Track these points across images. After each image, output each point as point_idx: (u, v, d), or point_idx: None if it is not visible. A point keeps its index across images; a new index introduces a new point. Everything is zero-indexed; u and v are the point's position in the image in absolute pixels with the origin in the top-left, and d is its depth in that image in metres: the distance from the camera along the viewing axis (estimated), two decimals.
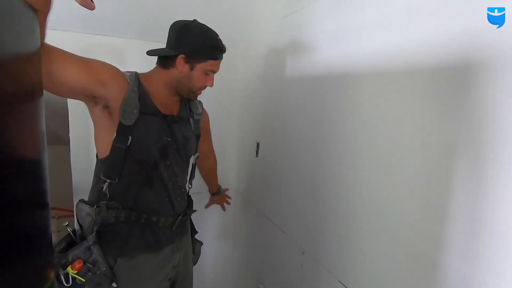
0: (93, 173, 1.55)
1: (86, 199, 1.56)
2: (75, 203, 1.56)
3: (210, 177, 1.58)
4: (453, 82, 0.70)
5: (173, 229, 1.08)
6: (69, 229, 1.00)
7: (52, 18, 1.33)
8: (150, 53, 1.07)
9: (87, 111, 1.51)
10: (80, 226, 1.01)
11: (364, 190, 0.95)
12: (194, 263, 1.30)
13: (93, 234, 0.94)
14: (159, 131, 1.01)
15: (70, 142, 1.51)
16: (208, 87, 1.12)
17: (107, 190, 0.97)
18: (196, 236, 1.33)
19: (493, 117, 0.62)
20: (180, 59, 1.01)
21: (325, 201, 1.14)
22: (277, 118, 1.46)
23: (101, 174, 0.97)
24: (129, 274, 0.99)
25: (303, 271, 1.28)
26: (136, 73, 1.02)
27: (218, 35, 1.06)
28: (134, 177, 0.99)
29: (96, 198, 0.99)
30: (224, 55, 1.79)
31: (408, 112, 0.81)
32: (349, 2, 0.99)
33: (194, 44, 1.01)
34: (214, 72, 1.07)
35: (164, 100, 1.06)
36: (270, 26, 1.48)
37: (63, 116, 1.50)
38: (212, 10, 1.51)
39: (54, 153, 2.20)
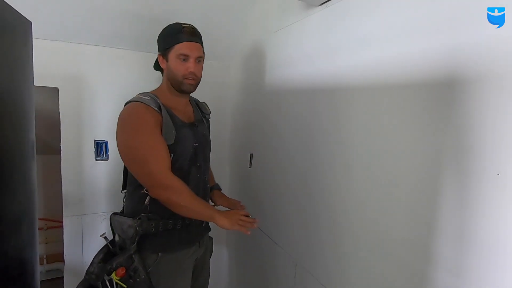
0: (83, 183, 1.54)
1: (78, 210, 1.54)
2: (64, 214, 1.56)
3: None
4: (442, 96, 0.71)
5: (203, 225, 1.20)
6: (106, 240, 1.11)
7: (48, 28, 1.34)
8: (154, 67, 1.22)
9: (79, 120, 1.52)
10: (120, 236, 1.10)
11: (356, 203, 0.96)
12: (209, 257, 1.38)
13: (135, 244, 1.03)
14: (190, 141, 1.12)
15: (62, 151, 1.49)
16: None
17: (148, 204, 1.06)
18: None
19: (480, 130, 0.63)
20: (159, 58, 1.14)
21: (317, 214, 1.14)
22: (271, 130, 1.46)
23: (145, 189, 1.06)
24: (170, 268, 1.08)
25: (295, 284, 1.26)
26: (156, 96, 1.09)
27: (182, 23, 1.10)
28: None
29: (136, 210, 1.08)
30: (217, 67, 1.82)
31: (398, 126, 0.82)
32: (340, 17, 1.02)
33: (161, 38, 1.13)
34: (188, 55, 1.07)
35: (180, 107, 1.15)
36: (263, 40, 1.50)
37: (55, 124, 1.48)
38: (206, 23, 1.53)
39: (45, 162, 2.19)
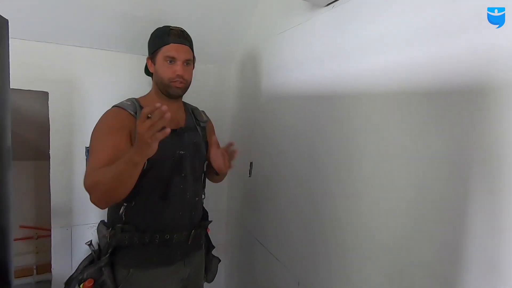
0: (73, 193, 1.47)
1: (67, 221, 1.47)
2: (53, 225, 1.48)
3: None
4: (460, 102, 0.64)
5: (189, 243, 1.09)
6: (91, 248, 1.07)
7: (37, 29, 1.28)
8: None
9: (70, 126, 1.44)
10: (99, 245, 1.06)
11: (366, 222, 0.87)
12: (211, 280, 1.29)
13: (106, 256, 0.99)
14: (172, 147, 1.04)
15: (51, 159, 1.41)
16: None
17: (123, 214, 1.00)
18: (213, 252, 1.31)
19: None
20: (148, 62, 1.11)
21: (323, 228, 1.05)
22: (272, 137, 1.39)
23: None
24: (143, 286, 1.02)
25: None
26: (136, 100, 1.06)
27: (171, 26, 1.07)
28: (150, 195, 1.02)
29: (113, 220, 1.03)
30: (216, 70, 1.73)
31: (414, 135, 0.74)
32: (348, 19, 0.95)
33: (149, 42, 1.10)
34: (174, 57, 1.03)
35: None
36: (264, 43, 1.44)
37: (44, 129, 1.41)
38: (204, 25, 1.47)
39: (36, 169, 2.11)
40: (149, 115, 0.71)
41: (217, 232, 1.85)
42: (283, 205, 1.29)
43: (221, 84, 1.79)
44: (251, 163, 1.58)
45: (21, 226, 2.15)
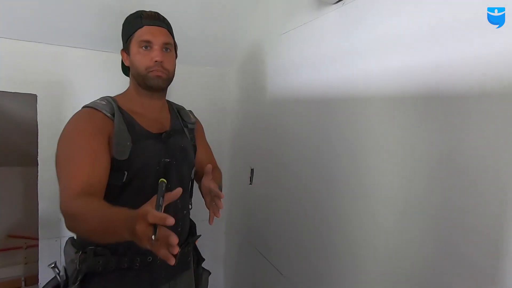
0: None
1: (56, 232, 1.38)
2: (41, 237, 1.39)
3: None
4: (464, 103, 0.59)
5: (175, 262, 0.93)
6: (55, 271, 0.91)
7: (25, 28, 1.20)
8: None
9: (60, 131, 1.35)
10: (66, 270, 0.89)
11: (375, 230, 0.81)
12: None
13: (75, 285, 0.82)
14: (157, 154, 0.92)
15: (39, 165, 1.33)
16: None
17: None
18: (203, 264, 1.17)
19: None
20: (122, 55, 0.97)
21: (331, 239, 0.98)
22: (274, 142, 1.33)
23: None
24: None
25: None
26: (113, 100, 0.92)
27: (143, 10, 0.95)
28: None
29: (83, 241, 0.86)
30: (215, 73, 1.67)
31: (422, 139, 0.69)
32: (360, 17, 0.89)
33: (122, 33, 0.97)
34: (150, 41, 0.89)
35: (149, 113, 0.96)
36: (266, 44, 1.38)
37: (33, 134, 1.33)
38: (203, 25, 1.41)
39: (24, 175, 2.02)
40: (155, 224, 0.57)
41: (215, 243, 1.77)
42: (286, 214, 1.22)
43: (221, 87, 1.73)
44: (252, 170, 1.51)
45: (10, 236, 2.06)
